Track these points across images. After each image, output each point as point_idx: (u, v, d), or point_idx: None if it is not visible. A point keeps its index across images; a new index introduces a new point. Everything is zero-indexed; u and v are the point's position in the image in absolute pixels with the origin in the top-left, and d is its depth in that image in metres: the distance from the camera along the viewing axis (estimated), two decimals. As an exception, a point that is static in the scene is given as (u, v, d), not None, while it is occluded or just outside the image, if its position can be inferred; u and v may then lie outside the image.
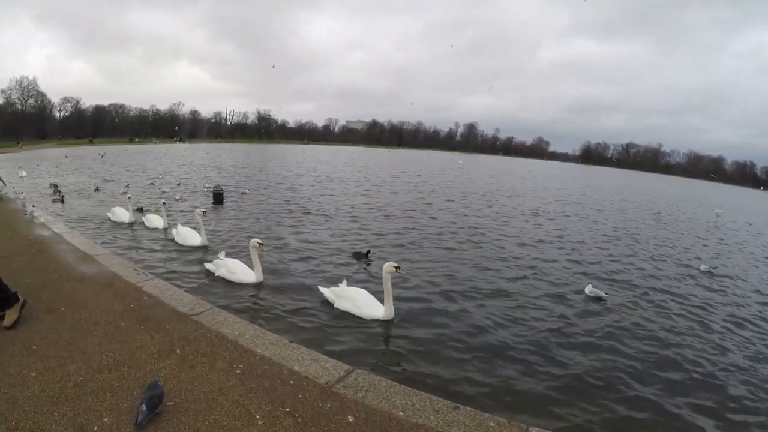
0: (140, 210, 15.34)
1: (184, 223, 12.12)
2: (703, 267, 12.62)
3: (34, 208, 12.10)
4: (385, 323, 6.98)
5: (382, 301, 7.16)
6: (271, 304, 7.64)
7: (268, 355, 4.77)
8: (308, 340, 6.16)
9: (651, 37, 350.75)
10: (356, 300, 7.19)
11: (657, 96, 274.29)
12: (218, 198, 18.89)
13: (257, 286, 8.35)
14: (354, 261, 10.58)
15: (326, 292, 7.70)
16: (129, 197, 13.92)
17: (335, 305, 7.37)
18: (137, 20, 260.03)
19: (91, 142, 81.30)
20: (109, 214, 14.06)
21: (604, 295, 8.96)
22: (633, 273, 11.58)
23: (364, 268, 10.09)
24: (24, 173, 25.31)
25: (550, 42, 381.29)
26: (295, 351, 4.91)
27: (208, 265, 9.07)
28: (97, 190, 21.18)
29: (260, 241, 8.33)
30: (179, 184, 24.18)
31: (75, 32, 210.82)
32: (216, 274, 8.67)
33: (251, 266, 8.57)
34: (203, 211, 11.16)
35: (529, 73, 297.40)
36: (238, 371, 4.43)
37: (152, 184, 23.95)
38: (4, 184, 19.75)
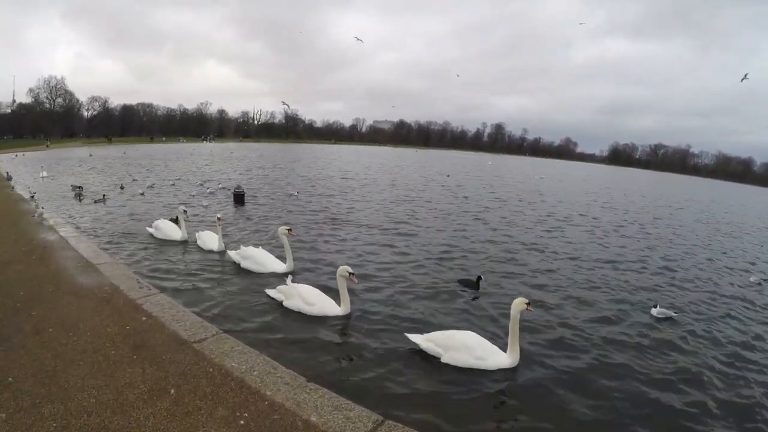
0: (175, 221, 12.82)
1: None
2: (752, 279, 11.72)
3: (43, 210, 11.54)
4: (510, 372, 5.72)
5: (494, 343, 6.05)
6: (359, 343, 6.29)
7: (279, 399, 3.93)
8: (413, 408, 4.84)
9: (687, 37, 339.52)
10: (474, 349, 5.75)
11: (691, 98, 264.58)
12: (239, 199, 18.18)
13: (343, 319, 7.02)
14: (452, 290, 8.81)
15: (423, 341, 6.02)
16: (185, 210, 11.39)
17: (443, 359, 5.79)
18: (166, 18, 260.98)
19: (110, 141, 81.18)
20: (152, 230, 11.66)
21: (673, 314, 8.15)
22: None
23: (473, 299, 8.44)
24: (45, 173, 24.92)
25: (584, 41, 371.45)
26: (312, 394, 4.05)
27: (271, 292, 7.68)
28: (122, 188, 20.90)
29: (351, 270, 7.02)
30: (201, 184, 23.53)
31: (103, 31, 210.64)
32: (284, 305, 7.28)
33: (322, 292, 7.36)
34: (288, 229, 9.23)
35: (561, 73, 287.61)
36: (242, 422, 3.60)
37: (173, 185, 23.34)
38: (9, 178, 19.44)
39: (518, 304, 5.80)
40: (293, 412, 3.77)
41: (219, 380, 4.20)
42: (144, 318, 5.52)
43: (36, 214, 11.34)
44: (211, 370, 4.37)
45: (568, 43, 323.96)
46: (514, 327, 5.77)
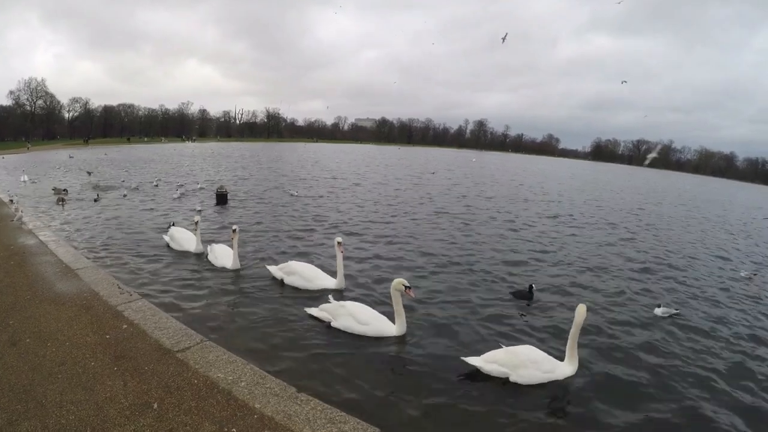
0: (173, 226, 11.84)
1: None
2: (743, 273, 11.80)
3: (22, 213, 11.16)
4: (572, 379, 5.60)
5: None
6: (413, 364, 5.70)
7: (269, 412, 3.75)
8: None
9: (672, 33, 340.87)
10: (542, 363, 5.49)
11: (673, 93, 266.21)
12: (222, 199, 17.89)
13: (398, 340, 6.29)
14: (506, 302, 8.26)
15: (484, 363, 5.54)
16: (197, 222, 10.08)
17: (511, 378, 5.40)
18: (147, 18, 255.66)
19: (86, 143, 79.72)
20: (167, 238, 10.70)
21: (674, 311, 8.22)
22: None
23: (527, 306, 8.10)
24: (26, 177, 23.80)
25: (569, 38, 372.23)
26: (303, 406, 3.88)
27: (314, 312, 6.91)
28: (89, 173, 20.87)
29: (407, 283, 6.24)
30: (181, 185, 22.91)
31: (83, 31, 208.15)
32: (333, 326, 6.53)
33: (375, 311, 6.63)
34: (339, 241, 8.15)
35: (545, 70, 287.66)
36: (231, 438, 3.43)
37: (156, 185, 22.82)
38: None
39: (583, 311, 5.64)
40: (284, 426, 3.60)
41: (204, 392, 4.01)
42: (125, 326, 5.31)
43: (15, 218, 10.96)
44: (196, 381, 4.18)
45: (552, 41, 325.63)
46: (575, 334, 5.64)
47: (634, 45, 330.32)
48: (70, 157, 43.84)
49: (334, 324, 6.53)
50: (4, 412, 3.63)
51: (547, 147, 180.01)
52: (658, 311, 8.19)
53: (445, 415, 4.64)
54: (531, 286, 8.54)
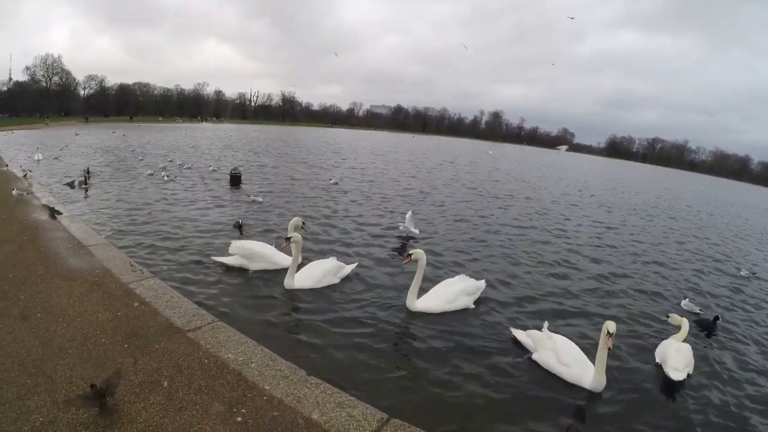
0: (239, 227, 10.53)
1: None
2: (743, 272, 11.77)
3: (30, 184, 11.17)
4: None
5: None
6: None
7: (278, 394, 3.72)
8: None
9: (702, 33, 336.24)
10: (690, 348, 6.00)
11: (697, 94, 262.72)
12: (235, 181, 17.87)
13: (592, 397, 5.14)
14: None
15: (682, 375, 5.44)
16: (303, 223, 8.33)
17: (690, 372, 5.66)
18: None
19: (87, 121, 79.68)
20: (230, 259, 7.89)
21: (698, 310, 8.15)
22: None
23: (710, 336, 7.30)
24: (40, 156, 23.03)
25: (597, 32, 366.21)
26: (313, 389, 3.85)
27: (520, 336, 6.15)
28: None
29: (613, 329, 5.01)
30: (189, 168, 22.77)
31: (100, 6, 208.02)
32: (533, 358, 5.71)
33: (582, 354, 5.60)
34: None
35: (566, 64, 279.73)
36: (239, 419, 3.40)
37: (182, 164, 22.66)
38: None
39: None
40: (293, 409, 3.57)
41: (215, 372, 3.99)
42: (137, 304, 5.30)
43: (26, 193, 10.99)
44: (206, 361, 4.16)
45: (578, 34, 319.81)
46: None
47: (661, 43, 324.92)
48: (76, 134, 43.79)
49: (534, 356, 5.74)
50: (13, 386, 3.62)
51: (561, 141, 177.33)
52: (683, 303, 8.34)
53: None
54: (717, 318, 7.64)
